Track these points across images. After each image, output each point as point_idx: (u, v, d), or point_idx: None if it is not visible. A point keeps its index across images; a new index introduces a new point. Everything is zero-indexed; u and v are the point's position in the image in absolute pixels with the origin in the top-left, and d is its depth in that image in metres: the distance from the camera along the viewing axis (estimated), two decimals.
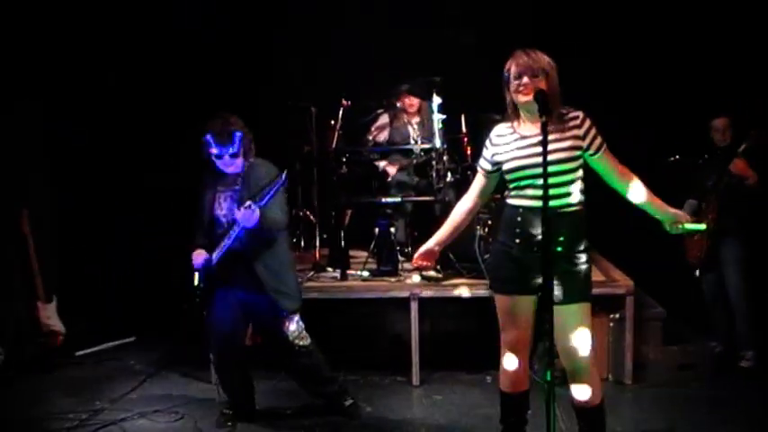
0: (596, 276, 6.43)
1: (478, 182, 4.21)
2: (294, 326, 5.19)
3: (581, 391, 4.05)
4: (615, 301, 6.08)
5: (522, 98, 3.86)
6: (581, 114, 3.96)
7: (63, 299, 7.10)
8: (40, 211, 7.19)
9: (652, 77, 8.11)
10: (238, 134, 4.93)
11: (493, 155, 4.05)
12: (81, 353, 7.10)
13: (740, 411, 5.47)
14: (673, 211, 4.05)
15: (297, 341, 5.21)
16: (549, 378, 3.30)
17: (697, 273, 6.61)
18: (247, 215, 4.69)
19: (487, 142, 4.09)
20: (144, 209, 7.97)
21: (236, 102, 7.93)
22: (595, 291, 5.68)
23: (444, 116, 6.87)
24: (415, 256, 4.45)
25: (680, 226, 4.03)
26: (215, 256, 5.05)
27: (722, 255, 6.44)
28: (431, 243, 4.39)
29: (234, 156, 4.94)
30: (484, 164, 4.13)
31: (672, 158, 6.98)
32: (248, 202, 4.68)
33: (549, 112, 3.60)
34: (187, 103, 7.62)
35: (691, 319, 6.75)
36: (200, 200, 5.20)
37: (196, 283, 5.14)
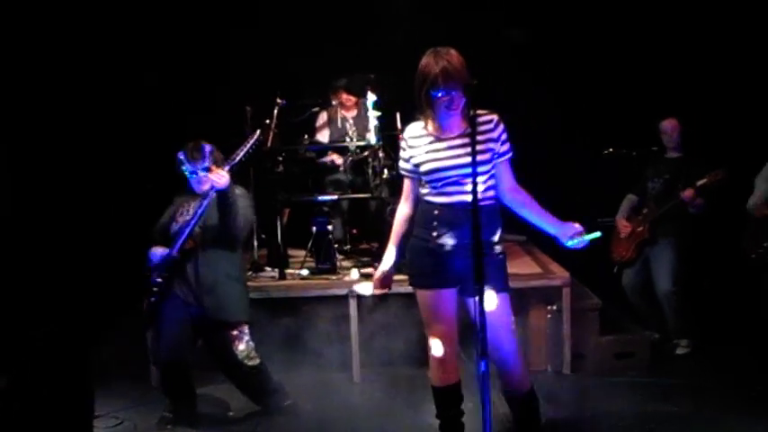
0: (534, 269, 6.52)
1: (407, 185, 4.20)
2: (243, 345, 5.17)
3: (508, 379, 4.11)
4: (553, 293, 6.15)
5: (451, 113, 3.90)
6: (495, 117, 3.99)
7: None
8: None
9: (597, 71, 8.23)
10: (207, 148, 5.08)
11: (410, 157, 4.06)
12: None
13: (678, 398, 5.55)
14: (566, 225, 4.04)
15: (246, 361, 5.19)
16: (483, 369, 3.31)
17: (615, 270, 6.72)
18: (218, 176, 4.81)
19: (403, 144, 4.11)
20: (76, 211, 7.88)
21: (173, 101, 8.03)
22: (533, 283, 5.83)
23: (380, 113, 6.87)
24: (375, 284, 4.44)
25: (576, 239, 4.02)
26: (176, 246, 5.04)
27: (651, 257, 6.56)
28: (385, 266, 4.35)
29: (206, 170, 5.02)
30: (405, 166, 4.13)
31: (606, 151, 7.06)
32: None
33: (476, 108, 3.64)
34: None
35: (627, 308, 6.82)
36: (166, 211, 5.32)
37: (154, 279, 5.13)
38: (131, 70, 8.08)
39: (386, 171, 6.90)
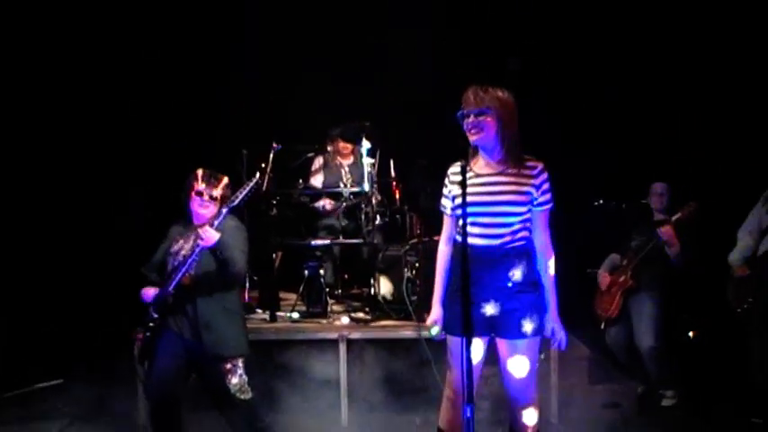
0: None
1: (447, 224, 4.19)
2: (237, 379, 5.13)
3: (528, 416, 4.08)
4: (541, 342, 6.17)
5: (471, 138, 3.92)
6: (540, 166, 4.00)
7: None
8: None
9: (587, 120, 8.32)
10: (225, 180, 5.09)
11: (450, 191, 4.09)
12: (7, 394, 6.96)
13: None
14: (555, 323, 4.07)
15: (238, 394, 5.16)
16: (468, 415, 3.34)
17: (603, 326, 6.73)
18: (208, 232, 4.79)
19: (446, 180, 4.12)
20: (72, 247, 7.92)
21: (170, 143, 8.11)
22: None
23: (373, 160, 6.95)
24: (431, 322, 4.23)
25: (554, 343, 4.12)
26: (171, 284, 4.99)
27: (633, 312, 6.55)
28: (437, 306, 4.21)
29: (212, 199, 5.03)
30: (446, 202, 4.15)
31: (596, 203, 7.13)
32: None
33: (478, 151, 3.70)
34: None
35: (615, 358, 6.85)
36: (160, 247, 5.27)
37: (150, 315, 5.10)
38: (129, 110, 8.17)
39: (378, 217, 6.97)
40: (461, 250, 3.85)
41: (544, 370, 6.14)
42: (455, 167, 4.10)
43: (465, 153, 4.00)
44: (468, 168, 3.99)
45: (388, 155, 7.50)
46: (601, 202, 7.15)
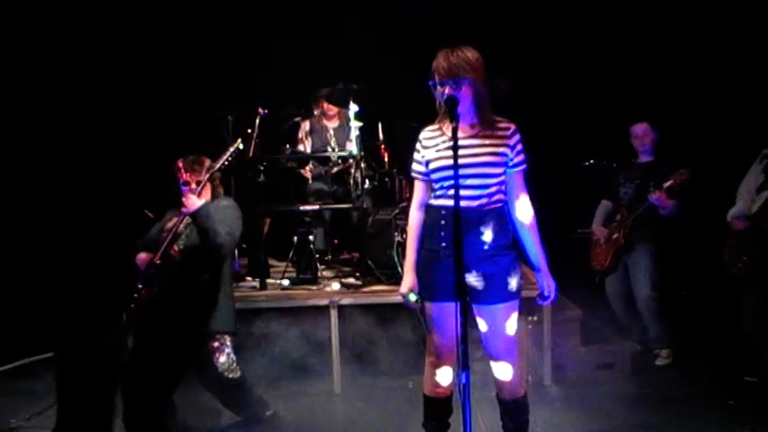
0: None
1: (419, 188, 4.12)
2: (224, 357, 5.11)
3: (502, 385, 4.06)
4: (533, 304, 6.14)
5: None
6: (513, 126, 3.96)
7: None
8: None
9: (575, 83, 8.29)
10: (208, 162, 5.15)
11: (423, 156, 4.02)
12: None
13: (658, 408, 5.56)
14: (546, 278, 4.06)
15: (226, 374, 5.13)
16: (464, 381, 3.30)
17: (597, 279, 6.75)
18: (189, 201, 4.89)
19: (418, 145, 4.06)
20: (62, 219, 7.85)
21: (155, 110, 8.02)
22: None
23: (361, 123, 6.87)
24: (407, 289, 4.12)
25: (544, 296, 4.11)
26: (157, 256, 5.04)
27: (630, 264, 6.59)
28: (411, 273, 4.12)
29: (199, 184, 5.07)
30: (417, 167, 4.08)
31: (587, 163, 7.09)
32: None
33: (457, 119, 3.62)
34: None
35: (607, 319, 6.84)
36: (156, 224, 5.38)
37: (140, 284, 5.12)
38: (113, 79, 8.06)
39: (367, 181, 6.91)
40: (441, 214, 3.90)
41: (537, 333, 6.13)
42: (428, 132, 4.05)
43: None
44: (440, 132, 3.99)
45: (376, 118, 7.41)
46: (591, 162, 7.09)
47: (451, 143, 3.71)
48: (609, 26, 8.17)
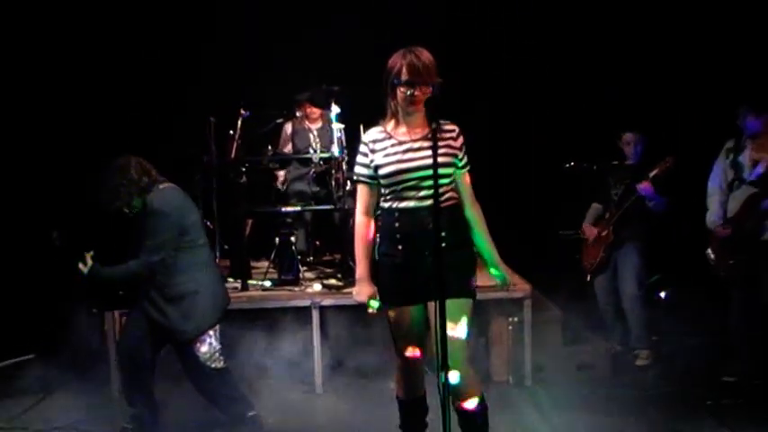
0: (494, 281, 6.53)
1: (365, 193, 4.08)
2: (206, 347, 5.06)
3: (454, 377, 3.90)
4: (514, 305, 6.18)
5: (411, 108, 3.87)
6: (458, 128, 4.01)
7: None
8: None
9: (558, 85, 8.34)
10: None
11: (371, 161, 3.98)
12: None
13: (637, 410, 5.59)
14: (497, 259, 4.16)
15: (209, 363, 5.09)
16: (443, 380, 3.32)
17: (588, 278, 6.79)
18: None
19: (363, 148, 4.01)
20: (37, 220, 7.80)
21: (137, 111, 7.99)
22: (495, 295, 5.76)
23: (343, 125, 6.89)
24: (367, 297, 4.11)
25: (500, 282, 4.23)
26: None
27: (618, 262, 6.64)
28: (367, 281, 4.10)
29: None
30: (363, 171, 4.03)
31: (567, 165, 7.13)
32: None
33: (438, 119, 3.64)
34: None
35: (588, 320, 6.87)
36: None
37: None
38: (96, 79, 8.04)
39: (349, 183, 6.92)
40: (394, 216, 3.94)
41: (518, 334, 6.16)
42: (372, 134, 4.02)
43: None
44: (386, 134, 3.98)
45: (358, 120, 7.42)
46: (572, 164, 7.12)
47: (401, 146, 3.85)
48: (598, 27, 8.22)
